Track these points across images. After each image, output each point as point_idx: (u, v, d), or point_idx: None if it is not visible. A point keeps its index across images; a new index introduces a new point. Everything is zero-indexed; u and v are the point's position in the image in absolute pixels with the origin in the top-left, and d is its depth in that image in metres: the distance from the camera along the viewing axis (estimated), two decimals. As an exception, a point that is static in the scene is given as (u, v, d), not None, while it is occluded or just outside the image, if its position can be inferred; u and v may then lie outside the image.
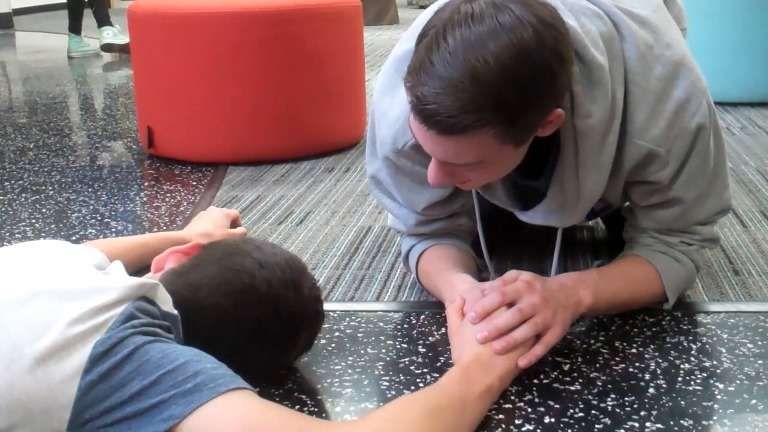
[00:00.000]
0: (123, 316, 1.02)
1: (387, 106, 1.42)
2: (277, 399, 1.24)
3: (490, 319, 1.24)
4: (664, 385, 1.26)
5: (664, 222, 1.43)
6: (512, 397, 1.23)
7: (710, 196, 1.42)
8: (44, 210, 2.20)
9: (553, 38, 1.11)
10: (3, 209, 2.21)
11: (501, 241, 1.64)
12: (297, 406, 1.22)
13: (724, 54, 3.17)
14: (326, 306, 1.32)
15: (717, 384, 1.26)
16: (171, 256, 1.26)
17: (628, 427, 1.15)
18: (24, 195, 2.34)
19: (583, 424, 1.16)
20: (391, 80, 1.41)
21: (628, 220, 1.51)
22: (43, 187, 2.41)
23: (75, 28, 5.28)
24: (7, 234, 2.02)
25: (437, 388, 1.14)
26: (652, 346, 1.38)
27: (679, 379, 1.28)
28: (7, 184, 2.46)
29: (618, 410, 1.19)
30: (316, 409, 1.22)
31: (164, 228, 2.05)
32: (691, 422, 1.16)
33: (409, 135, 1.39)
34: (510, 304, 1.27)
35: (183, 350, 1.03)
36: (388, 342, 1.42)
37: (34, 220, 2.12)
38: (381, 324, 1.49)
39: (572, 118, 1.25)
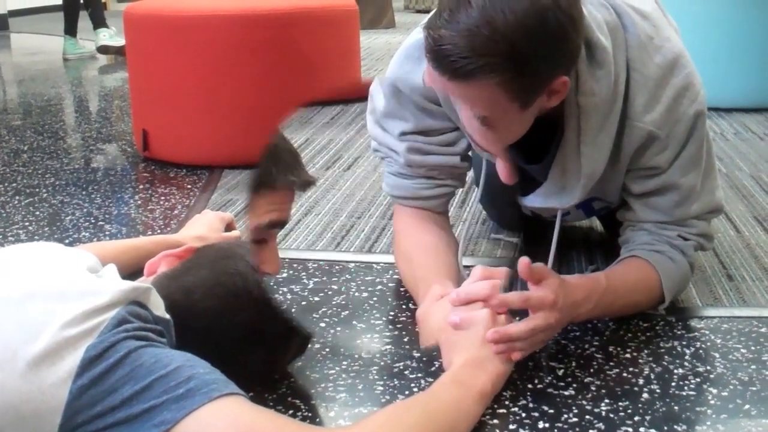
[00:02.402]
0: (115, 320, 1.01)
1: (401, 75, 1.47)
2: (271, 404, 1.23)
3: (507, 329, 1.22)
4: (657, 390, 1.26)
5: (660, 210, 1.44)
6: (506, 402, 1.22)
7: (704, 190, 1.45)
8: (38, 213, 2.19)
9: (567, 2, 1.17)
10: (-3, 212, 2.21)
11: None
12: (290, 411, 1.22)
13: (718, 60, 3.17)
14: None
15: (710, 389, 1.26)
16: (164, 259, 1.26)
17: (621, 432, 1.15)
18: (17, 197, 2.33)
19: (577, 429, 1.16)
20: (402, 67, 1.46)
21: (624, 223, 1.51)
22: (37, 190, 2.40)
23: (70, 30, 5.26)
24: (0, 237, 2.01)
25: (429, 395, 1.14)
26: (646, 351, 1.38)
27: (673, 384, 1.28)
28: (0, 186, 2.45)
29: (612, 415, 1.19)
30: (309, 414, 1.22)
31: (159, 231, 2.04)
32: (684, 427, 1.16)
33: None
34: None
35: (176, 355, 1.02)
36: (382, 347, 1.42)
37: (27, 223, 2.11)
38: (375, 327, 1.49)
39: (576, 95, 1.30)
